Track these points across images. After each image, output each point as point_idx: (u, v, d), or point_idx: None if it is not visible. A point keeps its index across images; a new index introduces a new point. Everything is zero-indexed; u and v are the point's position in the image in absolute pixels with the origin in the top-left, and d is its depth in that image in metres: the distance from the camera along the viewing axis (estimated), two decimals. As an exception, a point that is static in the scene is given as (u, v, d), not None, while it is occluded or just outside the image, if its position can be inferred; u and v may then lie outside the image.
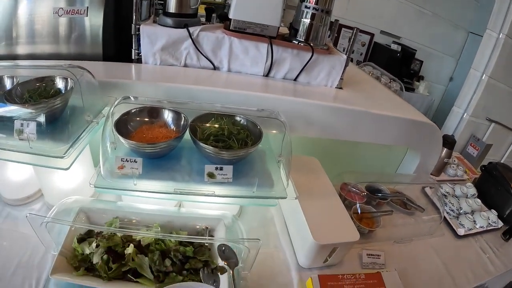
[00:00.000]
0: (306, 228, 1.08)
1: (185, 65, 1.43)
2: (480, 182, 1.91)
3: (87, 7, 1.36)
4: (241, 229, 1.08)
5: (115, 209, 1.11)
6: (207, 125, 1.08)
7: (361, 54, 4.12)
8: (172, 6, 1.35)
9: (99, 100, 1.15)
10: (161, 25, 1.37)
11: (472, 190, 1.79)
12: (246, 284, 1.05)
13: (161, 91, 1.25)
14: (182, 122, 1.09)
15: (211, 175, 0.96)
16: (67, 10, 1.34)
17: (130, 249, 0.97)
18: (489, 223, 1.59)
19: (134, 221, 1.09)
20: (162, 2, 1.41)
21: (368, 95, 1.71)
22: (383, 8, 3.93)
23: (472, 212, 1.64)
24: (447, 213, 1.61)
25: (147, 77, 1.33)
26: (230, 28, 1.38)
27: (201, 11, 1.64)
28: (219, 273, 0.98)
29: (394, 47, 3.98)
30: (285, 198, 1.00)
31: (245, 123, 1.13)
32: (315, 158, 1.45)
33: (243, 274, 1.03)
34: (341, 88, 1.58)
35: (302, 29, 1.46)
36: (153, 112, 1.11)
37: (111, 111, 0.99)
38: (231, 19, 1.37)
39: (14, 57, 1.36)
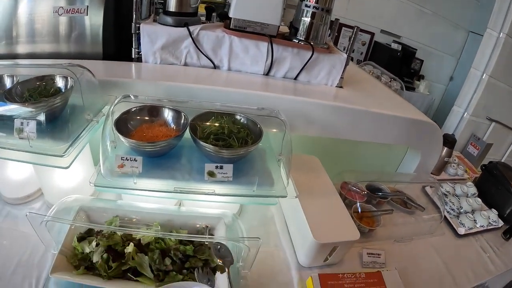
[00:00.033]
0: (306, 227, 1.08)
1: (185, 64, 1.43)
2: (481, 181, 1.91)
3: (87, 6, 1.36)
4: (241, 228, 1.08)
5: (115, 208, 1.11)
6: (207, 123, 1.07)
7: (361, 53, 4.12)
8: (172, 5, 1.35)
9: (99, 99, 1.15)
10: (161, 24, 1.37)
11: (473, 189, 1.78)
12: (246, 283, 1.05)
13: (161, 90, 1.24)
14: (182, 121, 1.09)
15: (211, 174, 0.96)
16: (67, 9, 1.34)
17: (130, 248, 0.97)
18: (490, 222, 1.59)
19: (134, 219, 1.09)
20: (162, 1, 1.41)
21: (368, 94, 1.71)
22: (383, 8, 3.93)
23: (473, 211, 1.64)
24: (448, 212, 1.60)
25: (147, 76, 1.32)
26: (230, 27, 1.38)
27: (201, 10, 1.64)
28: (219, 272, 0.98)
29: (395, 46, 3.98)
30: (285, 197, 1.00)
31: (245, 122, 1.13)
32: (316, 157, 1.45)
33: (243, 273, 1.03)
34: (341, 87, 1.58)
35: (302, 28, 1.46)
36: (153, 111, 1.11)
37: (111, 109, 0.99)
38: (231, 17, 1.36)
39: (14, 56, 1.36)
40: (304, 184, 1.11)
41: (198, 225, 1.11)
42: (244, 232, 1.06)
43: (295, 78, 1.53)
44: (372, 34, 4.04)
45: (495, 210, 1.65)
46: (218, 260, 0.96)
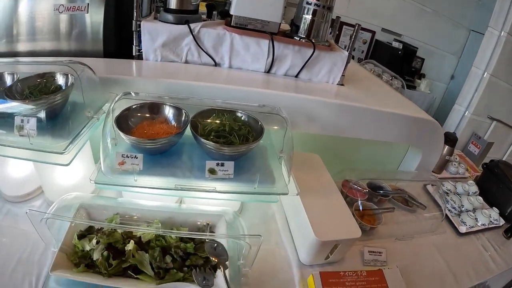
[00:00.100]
0: (307, 225, 1.08)
1: (186, 62, 1.43)
2: (482, 180, 1.90)
3: (88, 3, 1.35)
4: (242, 226, 1.07)
5: (115, 205, 1.11)
6: (208, 121, 1.07)
7: (362, 52, 4.11)
8: (173, 3, 1.35)
9: (99, 96, 1.15)
10: (162, 21, 1.36)
11: (474, 188, 1.78)
12: (247, 281, 1.04)
13: (162, 87, 1.24)
14: (183, 118, 1.09)
15: (212, 171, 0.95)
16: (67, 7, 1.34)
17: (130, 246, 0.97)
18: (491, 221, 1.59)
19: (134, 217, 1.08)
20: (163, -2, 1.41)
21: (370, 92, 1.70)
22: (384, 6, 3.92)
23: (474, 210, 1.63)
24: (449, 210, 1.60)
25: (148, 74, 1.32)
26: (231, 24, 1.38)
27: (202, 8, 1.64)
28: (221, 269, 0.97)
29: (396, 45, 3.97)
30: (286, 194, 1.00)
31: (246, 119, 1.12)
32: (317, 155, 1.45)
33: (244, 271, 1.03)
34: (342, 84, 1.58)
35: (303, 26, 1.46)
36: (154, 108, 1.11)
37: (111, 107, 0.99)
38: (232, 15, 1.36)
39: (15, 54, 1.35)
40: (305, 182, 1.11)
41: (199, 223, 1.11)
42: (245, 229, 1.06)
43: (296, 76, 1.52)
44: (373, 33, 4.03)
45: (496, 209, 1.65)
46: (213, 259, 0.95)
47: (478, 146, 2.80)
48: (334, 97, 1.44)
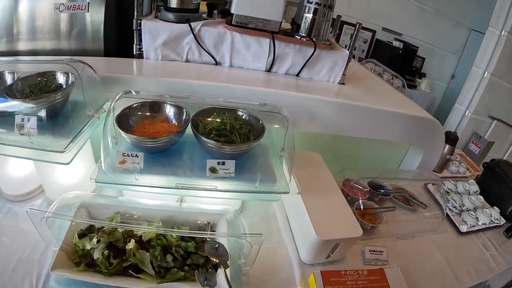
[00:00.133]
0: (308, 224, 1.08)
1: (187, 60, 1.43)
2: (483, 179, 1.90)
3: (88, 2, 1.35)
4: (243, 224, 1.07)
5: (116, 204, 1.11)
6: (209, 119, 1.07)
7: (362, 51, 4.11)
8: (173, 1, 1.34)
9: (100, 95, 1.15)
10: (163, 20, 1.36)
11: (475, 187, 1.78)
12: (248, 280, 1.04)
13: (163, 86, 1.24)
14: (183, 117, 1.08)
15: (213, 170, 0.95)
16: (68, 6, 1.34)
17: (131, 245, 0.96)
18: (492, 220, 1.59)
19: (135, 216, 1.08)
20: (164, -3, 1.41)
21: (370, 91, 1.70)
22: (385, 5, 3.92)
23: (475, 209, 1.63)
24: (450, 209, 1.60)
25: (148, 72, 1.32)
26: (232, 23, 1.37)
27: (203, 7, 1.64)
28: (222, 268, 0.97)
29: (396, 44, 3.96)
30: (287, 193, 0.99)
31: (247, 118, 1.12)
32: (318, 154, 1.45)
33: (245, 270, 1.03)
34: (343, 84, 1.57)
35: (304, 24, 1.46)
36: (155, 107, 1.10)
37: (112, 105, 0.99)
38: (233, 14, 1.36)
39: (15, 53, 1.35)
40: (306, 181, 1.10)
41: (199, 222, 1.11)
42: (246, 228, 1.06)
43: (297, 75, 1.52)
44: (374, 32, 4.03)
45: (497, 208, 1.65)
46: (214, 259, 0.95)
47: (479, 146, 2.79)
48: (335, 96, 1.44)
